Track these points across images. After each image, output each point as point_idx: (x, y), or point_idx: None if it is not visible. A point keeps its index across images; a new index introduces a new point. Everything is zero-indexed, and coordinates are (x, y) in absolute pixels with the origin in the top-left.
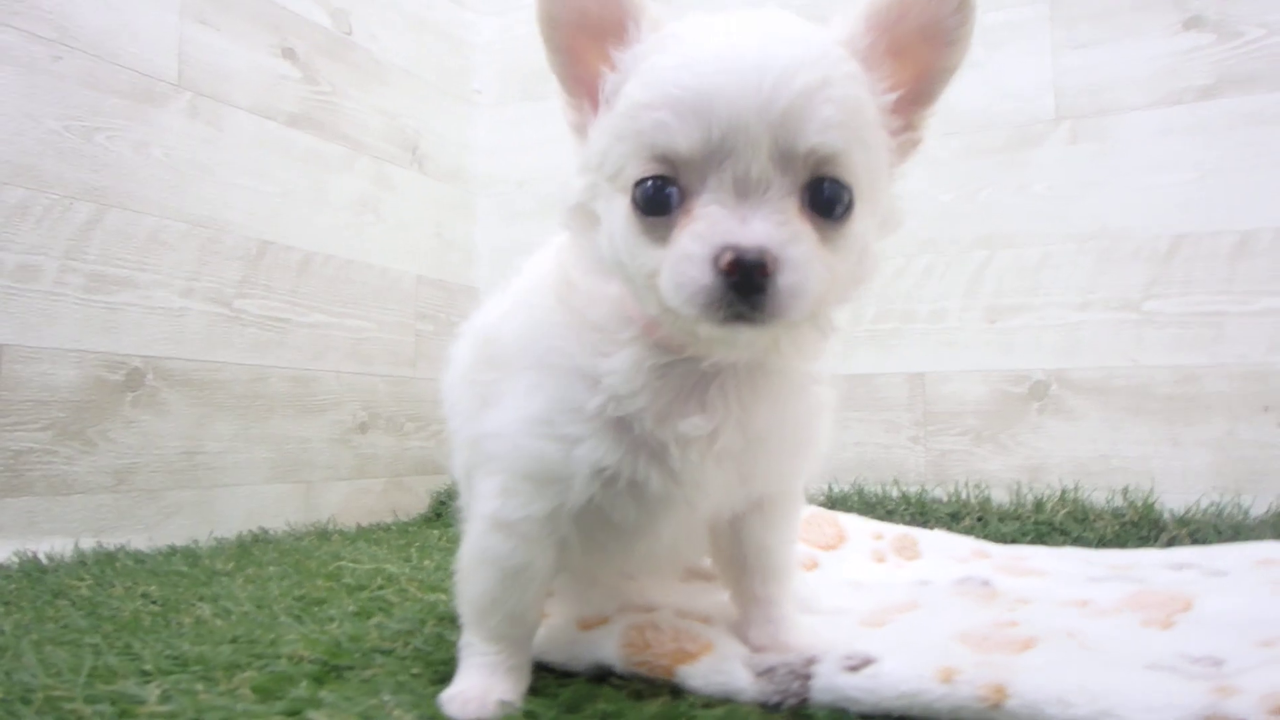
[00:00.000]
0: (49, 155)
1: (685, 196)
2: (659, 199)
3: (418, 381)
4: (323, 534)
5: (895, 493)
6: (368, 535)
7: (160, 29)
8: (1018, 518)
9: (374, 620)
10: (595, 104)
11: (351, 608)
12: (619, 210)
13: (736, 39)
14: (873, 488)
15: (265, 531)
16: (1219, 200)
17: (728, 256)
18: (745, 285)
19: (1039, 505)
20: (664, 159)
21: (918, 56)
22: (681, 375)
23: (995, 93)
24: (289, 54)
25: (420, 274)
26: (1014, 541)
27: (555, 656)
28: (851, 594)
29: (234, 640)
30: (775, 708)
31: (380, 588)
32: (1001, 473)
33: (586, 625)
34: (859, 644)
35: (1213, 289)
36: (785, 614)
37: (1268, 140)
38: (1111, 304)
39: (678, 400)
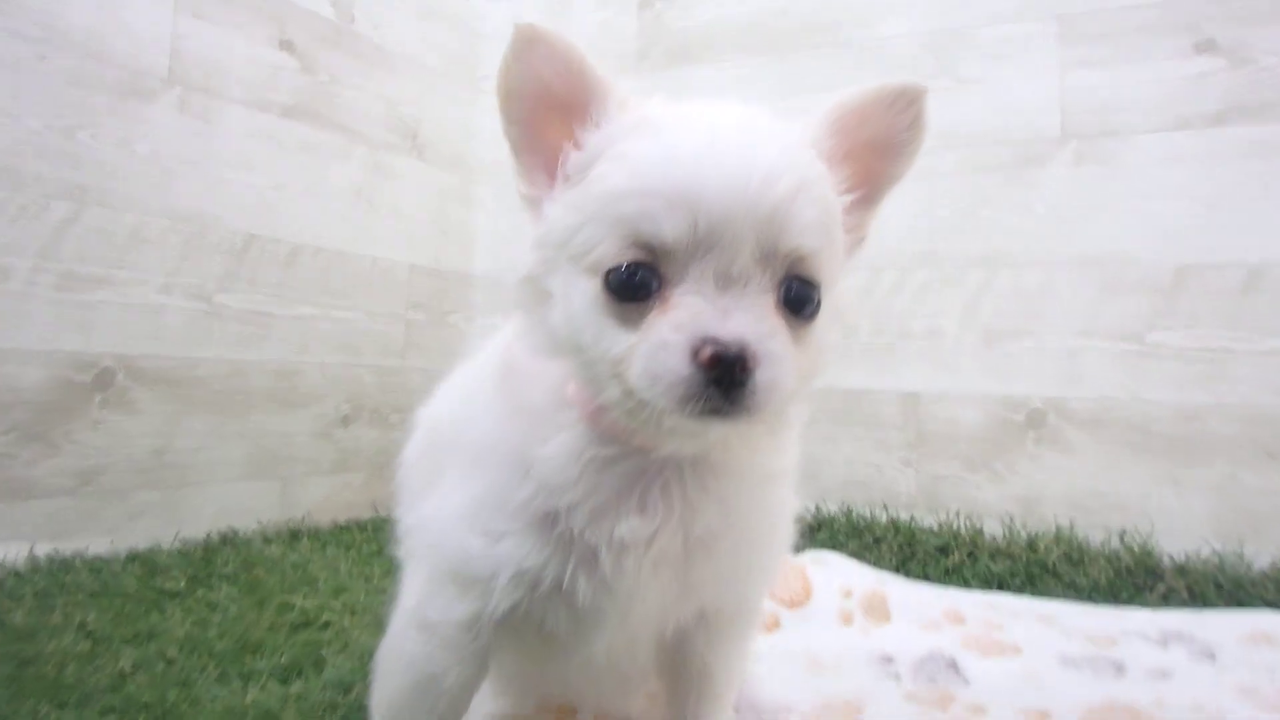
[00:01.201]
0: (27, 154)
1: (663, 285)
2: (636, 285)
3: (407, 371)
4: (294, 534)
5: (884, 517)
6: (341, 535)
7: (153, 24)
8: (1010, 555)
9: (294, 687)
10: (552, 177)
11: (284, 659)
12: (584, 290)
13: (721, 134)
14: (861, 510)
15: (235, 532)
16: (1227, 231)
17: (709, 350)
18: (724, 379)
19: (1032, 543)
20: (645, 246)
21: (870, 162)
22: (621, 470)
23: (999, 108)
24: (287, 45)
25: (414, 263)
26: (1003, 583)
27: None
28: (803, 677)
29: (144, 706)
30: None
31: (324, 625)
32: (995, 503)
33: None
34: None
35: (1219, 324)
36: None
37: (1278, 171)
38: (1113, 333)
39: (615, 497)
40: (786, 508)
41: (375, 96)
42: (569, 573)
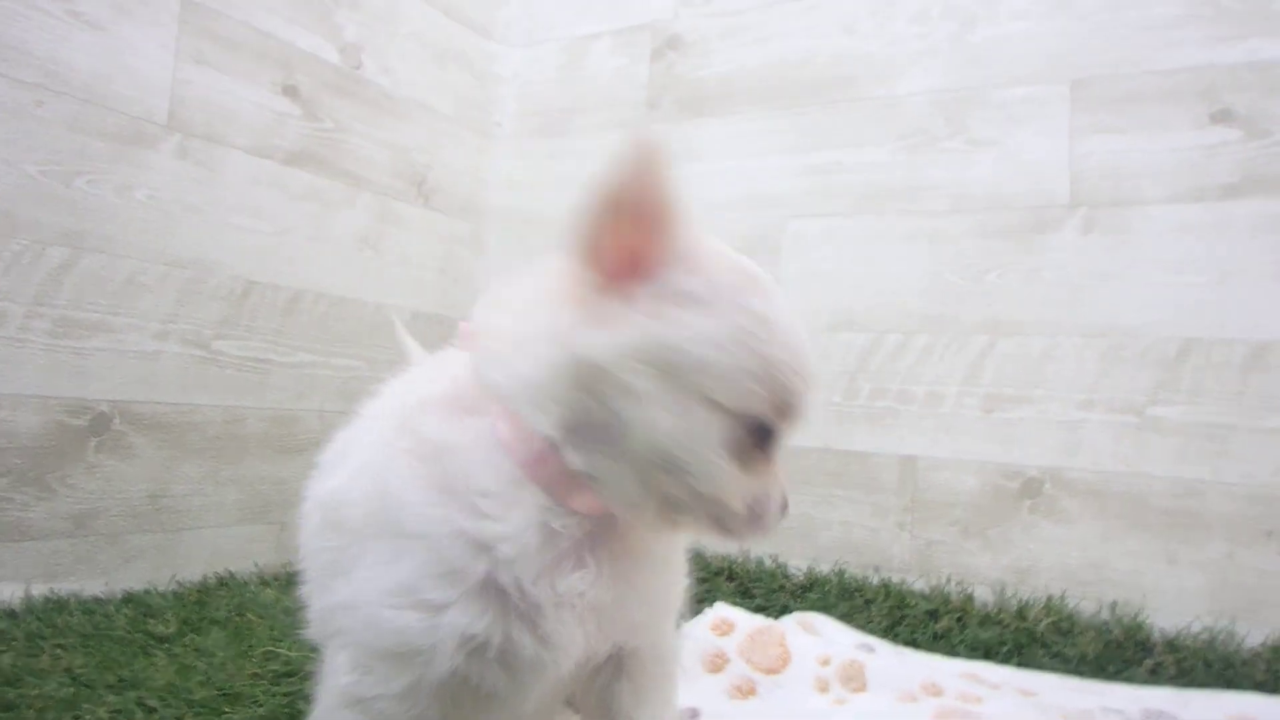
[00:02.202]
0: (24, 201)
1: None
2: (764, 440)
3: None
4: (291, 578)
5: (875, 580)
6: None
7: (154, 70)
8: (999, 623)
9: None
10: (621, 277)
11: (262, 710)
12: (705, 420)
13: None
14: (854, 572)
15: (231, 575)
16: (1236, 306)
17: (787, 506)
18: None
19: (1022, 611)
20: (784, 413)
21: None
22: (571, 532)
23: (1009, 172)
24: (290, 91)
25: (417, 309)
26: (991, 651)
27: None
28: None
29: None
30: None
31: (306, 675)
32: (988, 570)
33: None
34: None
35: (1222, 400)
36: None
37: None
38: (1115, 405)
39: (558, 556)
40: (680, 561)
41: (382, 143)
42: (514, 633)
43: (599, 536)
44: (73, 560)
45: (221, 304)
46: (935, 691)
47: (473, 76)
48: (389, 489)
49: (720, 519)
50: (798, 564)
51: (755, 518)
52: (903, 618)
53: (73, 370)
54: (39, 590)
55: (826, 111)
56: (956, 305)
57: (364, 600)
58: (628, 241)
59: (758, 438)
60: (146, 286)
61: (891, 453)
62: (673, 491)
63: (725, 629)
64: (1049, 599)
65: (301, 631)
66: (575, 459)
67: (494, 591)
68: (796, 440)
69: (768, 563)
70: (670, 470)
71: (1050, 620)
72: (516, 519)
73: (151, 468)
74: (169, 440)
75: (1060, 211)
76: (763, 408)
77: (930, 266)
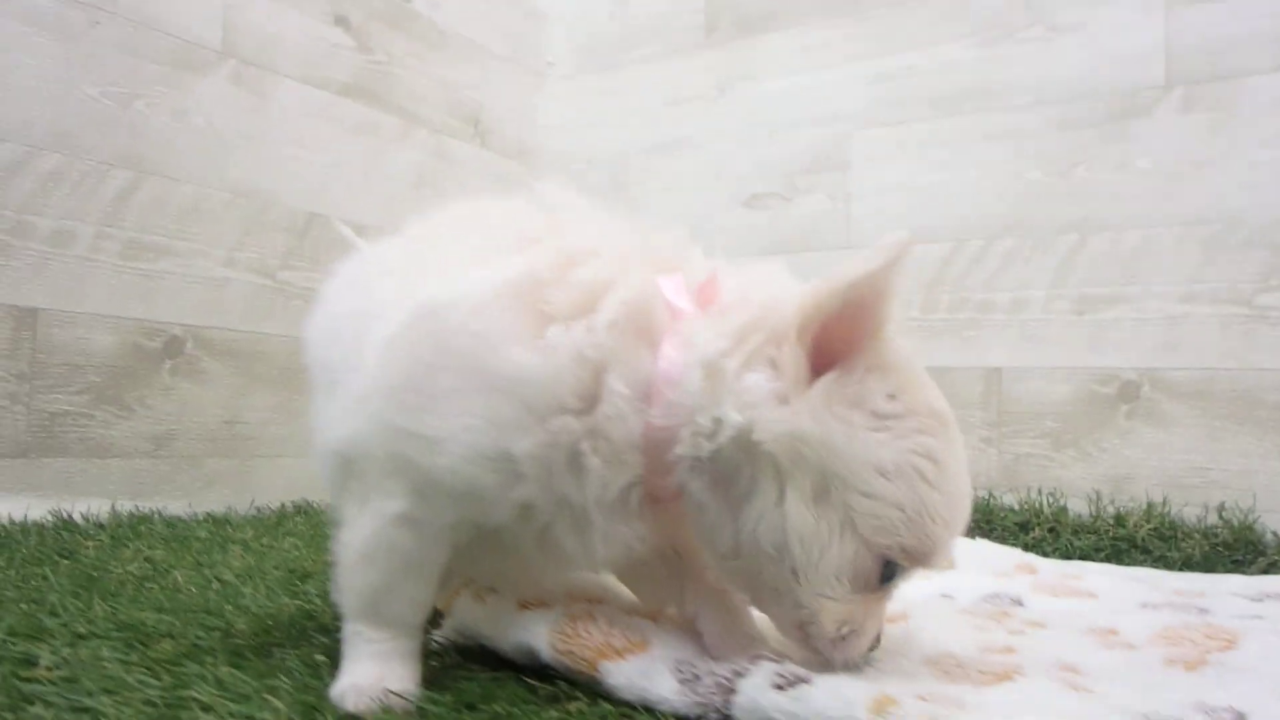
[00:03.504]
0: (85, 122)
1: None
2: (885, 576)
3: None
4: None
5: None
6: None
7: None
8: (1094, 531)
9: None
10: (808, 373)
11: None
12: (835, 536)
13: (966, 489)
14: None
15: (309, 503)
16: None
17: (879, 645)
18: None
19: (1120, 519)
20: (916, 559)
21: None
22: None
23: (1097, 57)
24: (342, 21)
25: None
26: (1086, 558)
27: (486, 631)
28: None
29: (187, 610)
30: None
31: None
32: (1081, 481)
33: (525, 605)
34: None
35: None
36: (739, 604)
37: None
38: (1220, 296)
39: (626, 515)
40: None
41: (435, 79)
42: (564, 532)
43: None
44: (155, 480)
45: (284, 235)
46: (1031, 570)
47: (520, 15)
48: (517, 345)
49: (806, 630)
50: None
51: (842, 644)
52: (990, 531)
53: (143, 292)
54: (124, 507)
55: (894, 12)
56: (1041, 205)
57: (450, 442)
58: (839, 333)
59: (881, 575)
60: (209, 213)
61: (975, 365)
62: (772, 584)
63: None
64: (1149, 505)
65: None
66: (692, 496)
67: (562, 494)
68: None
69: None
70: (780, 565)
71: (1151, 527)
72: (614, 480)
73: (225, 393)
74: (240, 367)
75: (1154, 94)
76: (897, 550)
77: (1011, 167)
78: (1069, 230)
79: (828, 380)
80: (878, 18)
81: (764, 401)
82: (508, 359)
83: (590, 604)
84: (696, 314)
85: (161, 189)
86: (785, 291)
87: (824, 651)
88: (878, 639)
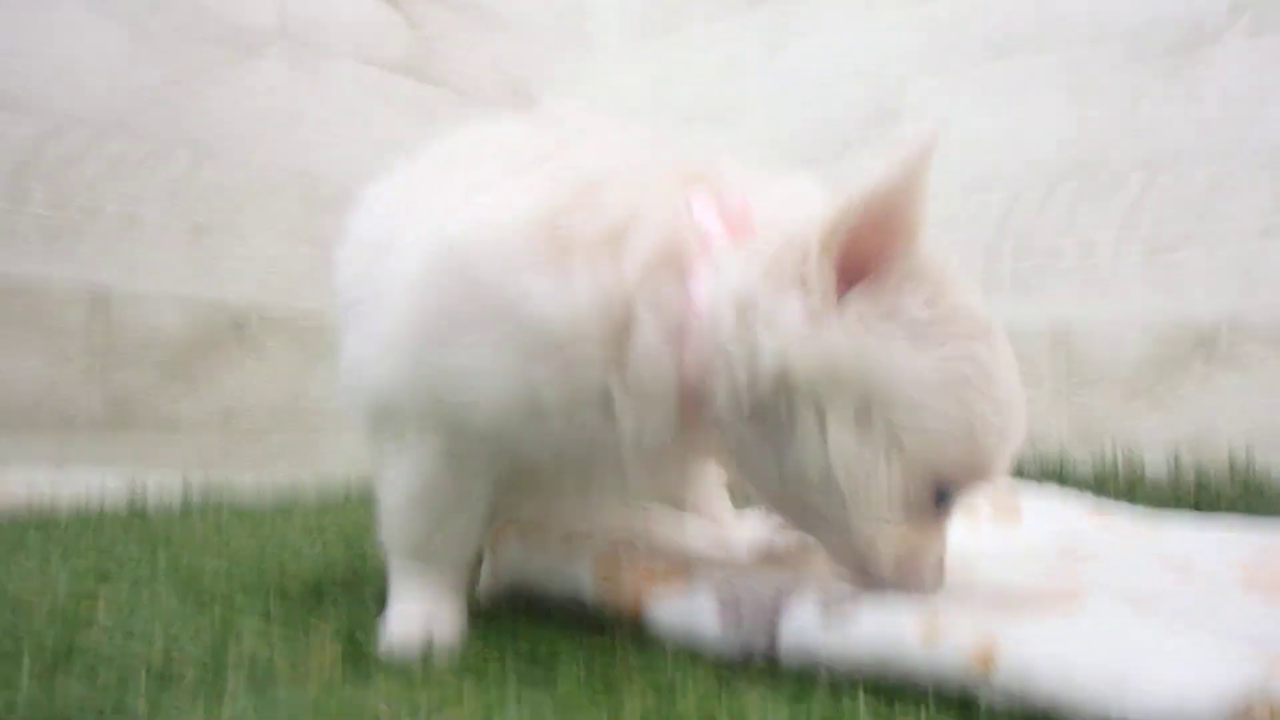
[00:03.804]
0: (148, 105)
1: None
2: (941, 498)
3: None
4: None
5: (1029, 454)
6: None
7: None
8: (1175, 487)
9: None
10: (849, 280)
11: None
12: (881, 459)
13: (1017, 392)
14: None
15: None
16: None
17: (943, 575)
18: None
19: (1202, 474)
20: (972, 476)
21: None
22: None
23: None
24: (391, 0)
25: None
26: None
27: (529, 573)
28: None
29: (244, 560)
30: (742, 661)
31: None
32: (1159, 434)
33: (569, 539)
34: (845, 589)
35: None
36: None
37: None
38: None
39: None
40: None
41: (485, 54)
42: (598, 466)
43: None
44: (222, 454)
45: (341, 213)
46: (1102, 514)
47: None
48: (541, 282)
49: (863, 564)
50: None
51: (902, 576)
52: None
53: (208, 271)
54: (195, 479)
55: None
56: (1105, 145)
57: (477, 381)
58: (869, 244)
59: (936, 496)
60: (268, 192)
61: (1041, 317)
62: (824, 513)
63: None
64: (1233, 458)
65: None
66: (730, 433)
67: (593, 434)
68: None
69: None
70: (829, 496)
71: (1237, 480)
72: (647, 418)
73: (288, 369)
74: (303, 344)
75: (1221, 19)
76: (952, 468)
77: (1071, 107)
78: (1135, 170)
79: (859, 293)
80: None
81: (797, 328)
82: (531, 298)
83: (633, 535)
84: (727, 241)
85: (221, 170)
86: (816, 209)
87: (881, 585)
88: (942, 568)
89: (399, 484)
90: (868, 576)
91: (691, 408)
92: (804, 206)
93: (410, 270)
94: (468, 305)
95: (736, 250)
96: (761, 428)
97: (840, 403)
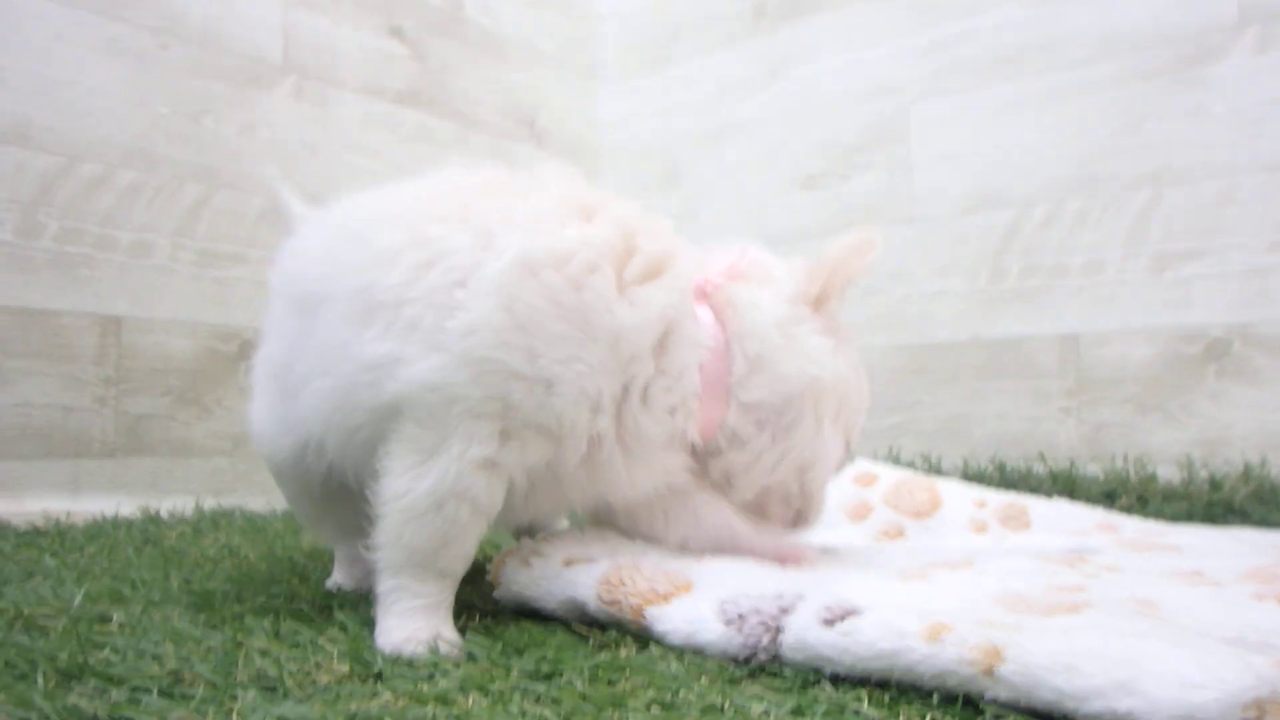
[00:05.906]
0: (159, 138)
1: None
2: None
3: None
4: None
5: (1041, 469)
6: None
7: (265, 14)
8: (1187, 497)
9: None
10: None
11: None
12: (838, 441)
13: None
14: (1015, 464)
15: None
16: None
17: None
18: None
19: (1215, 483)
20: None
21: None
22: None
23: (1163, 1)
24: (396, 32)
25: None
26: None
27: (532, 593)
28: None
29: (256, 580)
30: (744, 663)
31: None
32: (1170, 447)
33: (570, 562)
34: (848, 591)
35: None
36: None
37: None
38: None
39: None
40: None
41: (490, 84)
42: (619, 457)
43: None
44: (234, 478)
45: None
46: (1113, 529)
47: (572, 17)
48: (617, 300)
49: (806, 515)
50: (953, 461)
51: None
52: (1074, 501)
53: (217, 299)
54: (208, 503)
55: None
56: (1111, 161)
57: (561, 384)
58: (832, 285)
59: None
60: (277, 222)
61: (1049, 333)
62: (783, 490)
63: (869, 481)
64: (1247, 467)
65: None
66: (736, 431)
67: (629, 423)
68: (939, 335)
69: (919, 464)
70: (802, 475)
71: (1250, 489)
72: (676, 411)
73: None
74: None
75: (1226, 34)
76: (854, 438)
77: (1076, 125)
78: (1142, 185)
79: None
80: None
81: (828, 356)
82: (610, 312)
83: (635, 556)
84: (738, 282)
85: (231, 200)
86: (789, 265)
87: (802, 525)
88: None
89: (419, 494)
90: (800, 523)
91: (712, 408)
92: (778, 262)
93: (489, 279)
94: (556, 315)
95: (761, 290)
96: (761, 427)
97: (831, 409)
